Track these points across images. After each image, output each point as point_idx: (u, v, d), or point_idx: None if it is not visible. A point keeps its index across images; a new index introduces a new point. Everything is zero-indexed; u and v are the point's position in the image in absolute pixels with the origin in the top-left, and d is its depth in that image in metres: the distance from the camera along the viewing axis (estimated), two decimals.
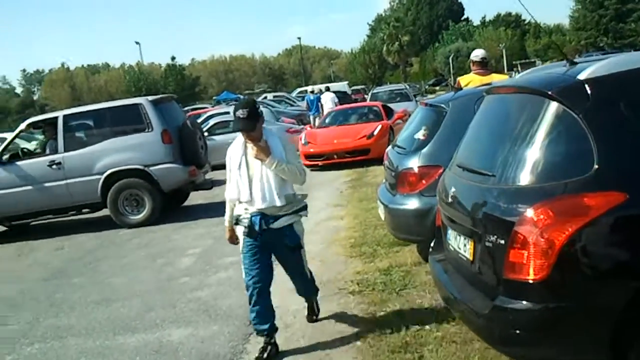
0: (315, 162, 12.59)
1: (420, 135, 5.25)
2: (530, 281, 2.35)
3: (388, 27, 61.49)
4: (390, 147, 5.87)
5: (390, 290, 4.48)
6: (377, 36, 69.66)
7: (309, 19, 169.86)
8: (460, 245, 2.92)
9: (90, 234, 8.70)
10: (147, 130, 8.44)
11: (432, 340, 3.45)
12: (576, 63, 2.86)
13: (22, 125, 9.36)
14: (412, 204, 4.84)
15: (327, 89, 23.23)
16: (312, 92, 23.03)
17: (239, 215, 3.68)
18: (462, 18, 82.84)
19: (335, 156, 12.38)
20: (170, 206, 9.33)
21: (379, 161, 11.82)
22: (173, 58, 73.39)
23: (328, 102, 20.05)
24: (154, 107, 8.52)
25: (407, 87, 23.26)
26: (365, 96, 23.82)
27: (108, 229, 8.73)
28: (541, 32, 61.71)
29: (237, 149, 3.64)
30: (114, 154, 8.47)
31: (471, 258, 2.78)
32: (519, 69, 32.03)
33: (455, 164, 3.15)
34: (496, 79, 5.90)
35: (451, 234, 3.10)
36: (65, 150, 8.57)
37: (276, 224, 3.62)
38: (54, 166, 8.54)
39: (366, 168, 11.65)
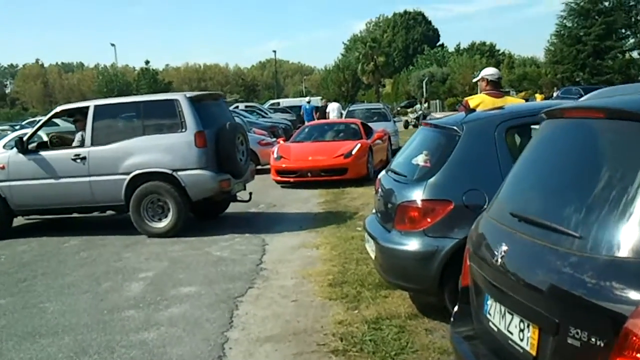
0: (287, 179, 11.70)
1: (420, 160, 4.42)
2: None
3: (364, 47, 61.61)
4: (384, 172, 5.00)
5: (384, 355, 3.58)
6: (352, 55, 69.69)
7: (286, 34, 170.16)
8: (512, 328, 2.05)
9: (34, 242, 7.81)
10: (180, 130, 7.44)
11: None
12: None
13: (54, 111, 8.52)
14: (413, 244, 3.97)
15: (335, 100, 25.53)
16: (309, 102, 25.08)
17: None
18: (437, 44, 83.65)
19: (309, 174, 11.48)
20: (206, 216, 8.60)
21: (356, 182, 11.18)
22: (147, 62, 73.53)
23: (335, 110, 21.30)
24: (192, 105, 7.49)
25: (386, 106, 22.63)
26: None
27: (54, 236, 7.91)
28: (515, 63, 62.18)
29: None
30: (142, 153, 7.52)
31: (534, 352, 1.90)
32: None
33: (506, 209, 2.26)
34: (510, 102, 5.12)
35: (493, 306, 2.23)
36: (92, 144, 7.69)
37: None
38: (78, 160, 7.70)
39: (342, 189, 10.81)
